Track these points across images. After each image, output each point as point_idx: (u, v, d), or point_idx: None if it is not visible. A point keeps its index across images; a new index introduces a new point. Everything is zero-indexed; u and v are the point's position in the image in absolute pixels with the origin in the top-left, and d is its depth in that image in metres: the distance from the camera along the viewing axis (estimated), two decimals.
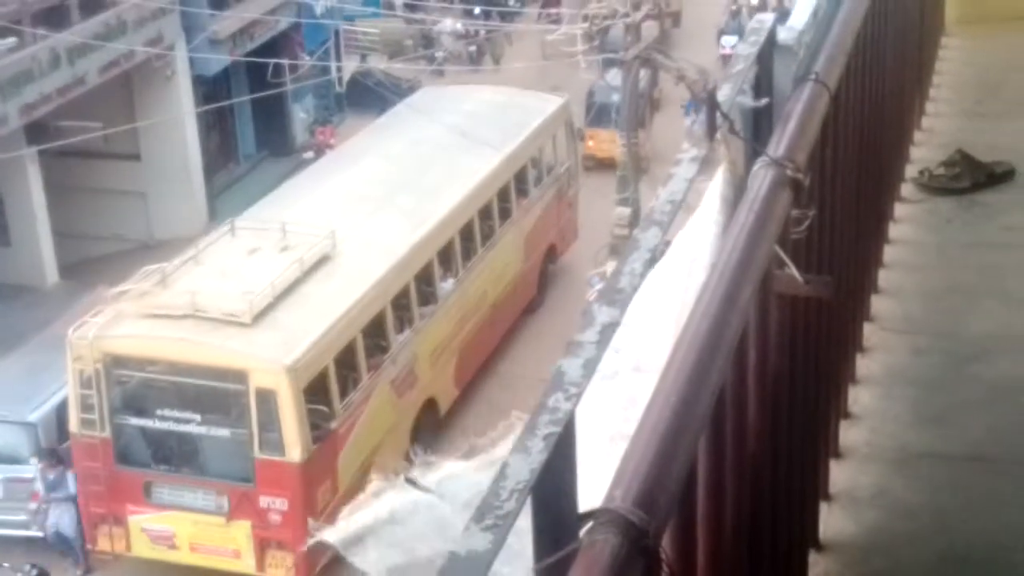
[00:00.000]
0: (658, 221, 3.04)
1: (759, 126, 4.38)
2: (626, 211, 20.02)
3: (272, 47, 27.13)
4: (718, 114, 3.53)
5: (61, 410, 16.38)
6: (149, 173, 25.22)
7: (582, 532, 2.35)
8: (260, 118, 28.16)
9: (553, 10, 35.30)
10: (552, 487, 2.40)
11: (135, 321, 14.92)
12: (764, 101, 4.07)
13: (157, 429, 15.17)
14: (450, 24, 33.68)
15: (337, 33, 30.85)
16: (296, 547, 14.58)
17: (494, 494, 2.26)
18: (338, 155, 20.90)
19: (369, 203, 17.76)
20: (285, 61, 26.06)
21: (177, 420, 15.04)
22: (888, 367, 5.96)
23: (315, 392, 14.96)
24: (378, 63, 32.06)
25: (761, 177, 3.70)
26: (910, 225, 7.34)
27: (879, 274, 6.67)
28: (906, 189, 7.69)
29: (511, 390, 18.65)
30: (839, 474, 5.17)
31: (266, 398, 14.38)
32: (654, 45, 19.70)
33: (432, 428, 17.68)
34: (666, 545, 2.53)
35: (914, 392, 5.80)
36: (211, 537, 15.16)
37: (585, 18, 19.77)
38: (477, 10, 34.88)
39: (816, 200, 4.35)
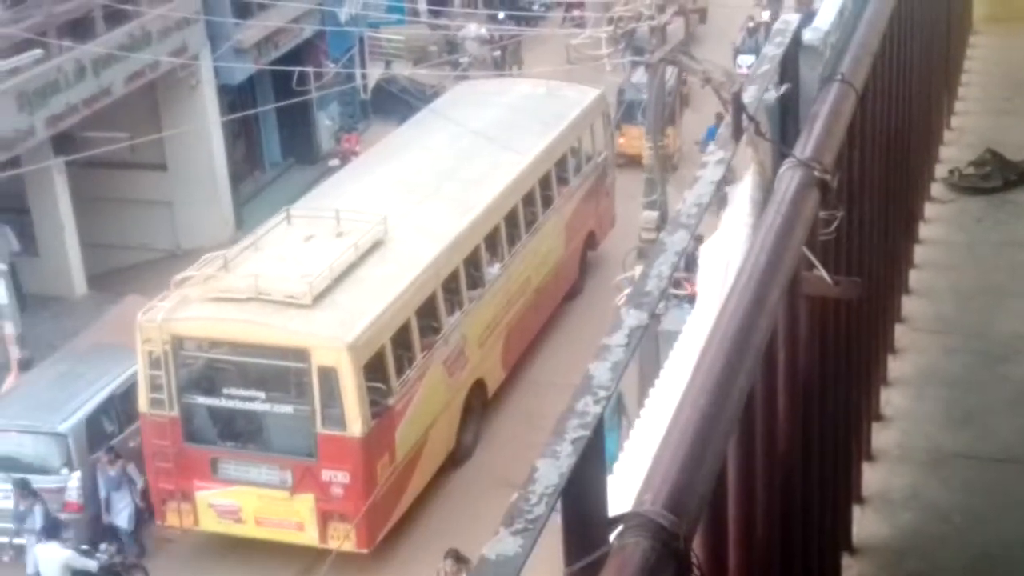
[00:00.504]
0: (685, 224, 3.02)
1: (786, 128, 4.36)
2: (653, 214, 19.96)
3: (297, 55, 27.18)
4: (744, 116, 3.50)
5: (92, 420, 16.45)
6: (175, 182, 25.30)
7: (612, 536, 2.33)
8: (285, 126, 28.21)
9: (577, 12, 35.28)
10: (581, 491, 2.39)
11: (200, 304, 15.39)
12: (785, 87, 4.04)
13: (223, 407, 15.64)
14: (474, 29, 33.68)
15: (361, 40, 30.89)
16: (359, 519, 15.09)
17: (524, 499, 2.25)
18: (384, 147, 21.17)
19: (417, 192, 18.22)
20: (310, 69, 26.09)
21: (242, 398, 15.52)
22: (920, 368, 5.92)
23: (373, 370, 15.38)
24: (403, 69, 32.10)
25: (788, 179, 3.68)
26: (940, 225, 7.29)
27: (910, 274, 6.63)
28: (936, 189, 7.64)
29: (554, 374, 19.06)
30: (872, 476, 5.13)
31: (328, 375, 14.87)
32: (680, 47, 19.61)
33: (480, 409, 18.22)
34: (696, 548, 2.51)
35: (946, 393, 5.76)
36: (275, 511, 15.58)
37: (610, 21, 19.68)
38: (501, 15, 34.90)
39: (844, 201, 4.32)
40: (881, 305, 5.63)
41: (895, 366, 5.87)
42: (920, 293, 6.49)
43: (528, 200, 19.86)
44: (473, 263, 18.08)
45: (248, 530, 15.82)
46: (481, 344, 18.24)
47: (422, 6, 34.96)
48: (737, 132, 3.52)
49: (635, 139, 25.44)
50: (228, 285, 15.42)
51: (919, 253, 6.87)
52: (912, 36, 6.31)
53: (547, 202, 20.53)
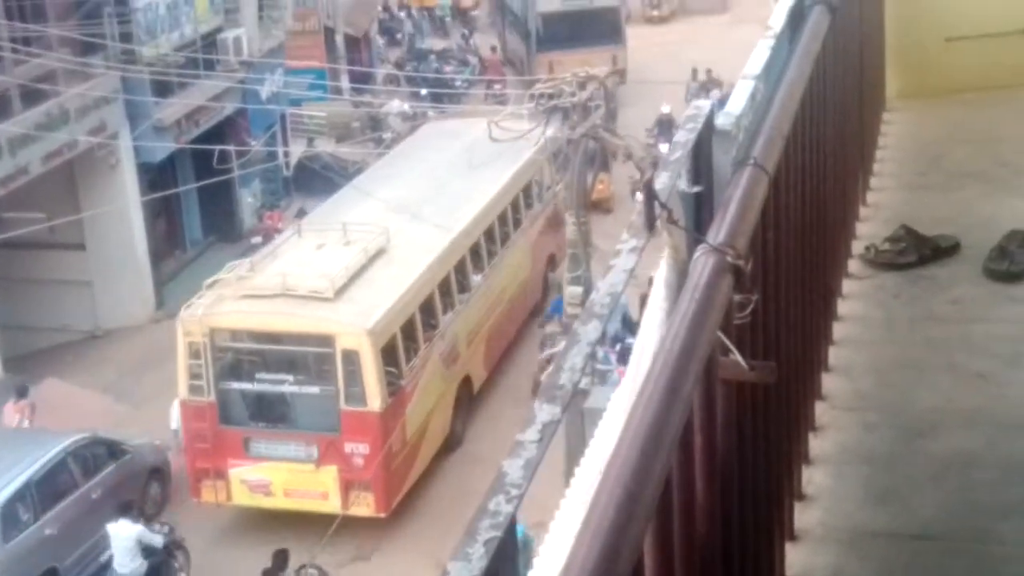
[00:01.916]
0: (599, 315, 2.99)
1: (700, 212, 4.37)
2: (578, 290, 20.01)
3: (218, 132, 27.11)
4: (656, 204, 3.50)
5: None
6: (95, 262, 25.01)
7: None
8: (207, 203, 28.04)
9: (499, 88, 35.57)
10: None
11: (235, 301, 17.58)
12: (697, 188, 4.05)
13: (255, 391, 17.70)
14: (397, 105, 33.82)
15: (283, 117, 30.89)
16: (377, 486, 17.19)
17: None
18: (367, 177, 23.65)
19: (406, 211, 20.43)
20: (231, 147, 26.01)
21: (272, 382, 17.59)
22: (840, 445, 5.93)
23: (387, 355, 17.49)
24: (325, 146, 32.11)
25: (702, 264, 3.67)
26: (858, 301, 7.35)
27: (829, 351, 6.66)
28: (854, 265, 7.71)
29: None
30: (795, 557, 5.11)
31: (351, 358, 16.98)
32: (601, 123, 19.79)
33: (468, 403, 20.39)
34: None
35: (866, 470, 5.77)
36: (302, 482, 17.46)
37: (531, 97, 19.86)
38: (424, 91, 35.10)
39: (759, 284, 4.33)
40: (800, 383, 5.64)
41: (816, 444, 5.88)
42: (839, 370, 6.52)
43: (502, 220, 22.27)
44: (461, 271, 20.42)
45: (277, 502, 17.73)
46: (469, 343, 20.49)
47: (344, 83, 35.11)
48: (650, 221, 3.52)
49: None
50: (258, 284, 17.68)
51: (838, 330, 6.92)
52: (825, 116, 6.39)
53: (516, 223, 23.01)
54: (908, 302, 7.31)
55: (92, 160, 24.09)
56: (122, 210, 24.20)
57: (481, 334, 21.12)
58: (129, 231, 24.92)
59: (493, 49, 40.74)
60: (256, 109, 28.45)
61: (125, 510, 16.69)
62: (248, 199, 29.03)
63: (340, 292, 17.56)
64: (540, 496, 3.05)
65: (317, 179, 30.05)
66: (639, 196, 3.91)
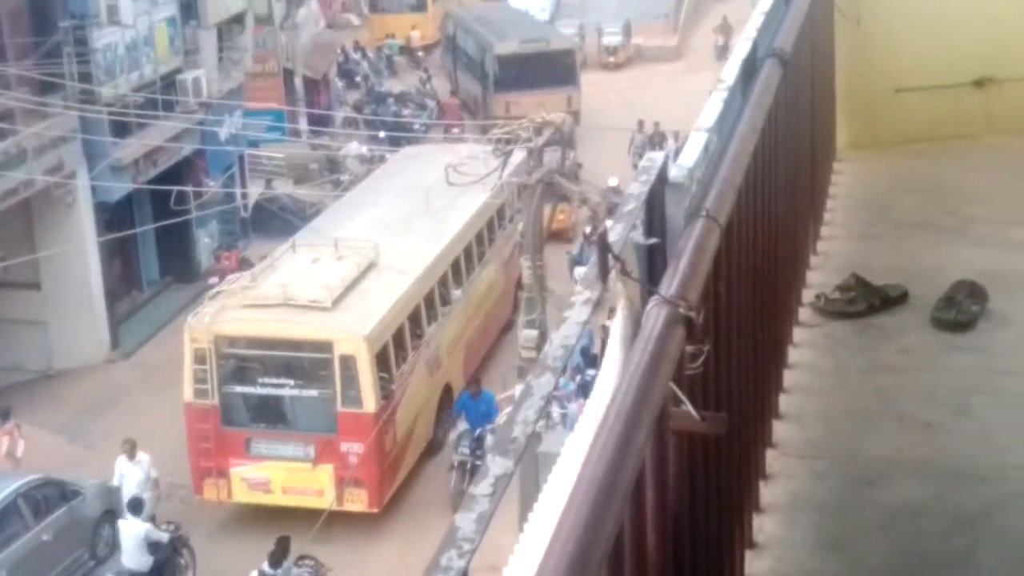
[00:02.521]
0: (552, 367, 3.04)
1: (654, 263, 4.44)
2: (533, 333, 20.06)
3: (176, 173, 27.05)
4: (610, 256, 3.57)
5: None
6: (49, 302, 24.85)
7: None
8: (164, 244, 27.93)
9: (456, 132, 35.72)
10: None
11: (239, 310, 18.72)
12: (652, 241, 4.12)
13: (257, 394, 18.86)
14: (355, 148, 33.87)
15: (242, 158, 30.87)
16: (370, 483, 18.39)
17: None
18: (352, 196, 25.14)
19: (393, 228, 21.74)
20: (189, 188, 25.97)
21: (273, 386, 18.74)
22: (791, 493, 5.99)
23: (380, 360, 18.67)
24: (283, 187, 32.10)
25: (654, 316, 3.74)
26: (809, 349, 7.44)
27: (780, 399, 6.73)
28: (804, 313, 7.80)
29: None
30: None
31: (348, 362, 18.21)
32: (557, 168, 19.92)
33: (447, 410, 21.22)
34: None
35: (817, 518, 5.84)
36: (300, 480, 18.61)
37: (488, 142, 20.01)
38: (382, 134, 35.17)
39: (711, 334, 4.40)
40: (751, 432, 5.71)
41: (767, 492, 5.94)
42: (790, 418, 6.60)
43: (479, 239, 23.48)
44: (443, 285, 21.65)
45: (276, 499, 18.82)
46: (450, 353, 21.71)
47: (303, 125, 35.16)
48: (603, 273, 3.58)
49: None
50: (260, 294, 18.87)
51: (788, 377, 7.00)
52: (777, 167, 6.50)
53: (491, 242, 24.19)
54: (857, 351, 7.40)
55: (49, 199, 23.98)
56: (78, 249, 24.08)
57: (460, 345, 22.33)
58: (85, 271, 24.78)
59: (452, 92, 40.95)
60: (214, 150, 28.42)
61: (135, 508, 17.45)
62: (205, 239, 28.95)
63: (337, 302, 18.77)
64: (493, 536, 3.08)
65: (275, 220, 30.01)
66: (587, 231, 3.97)
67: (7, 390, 23.75)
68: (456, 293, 22.28)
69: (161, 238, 27.43)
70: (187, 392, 18.85)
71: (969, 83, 10.72)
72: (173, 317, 26.32)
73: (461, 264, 22.65)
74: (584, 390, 18.43)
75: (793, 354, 7.28)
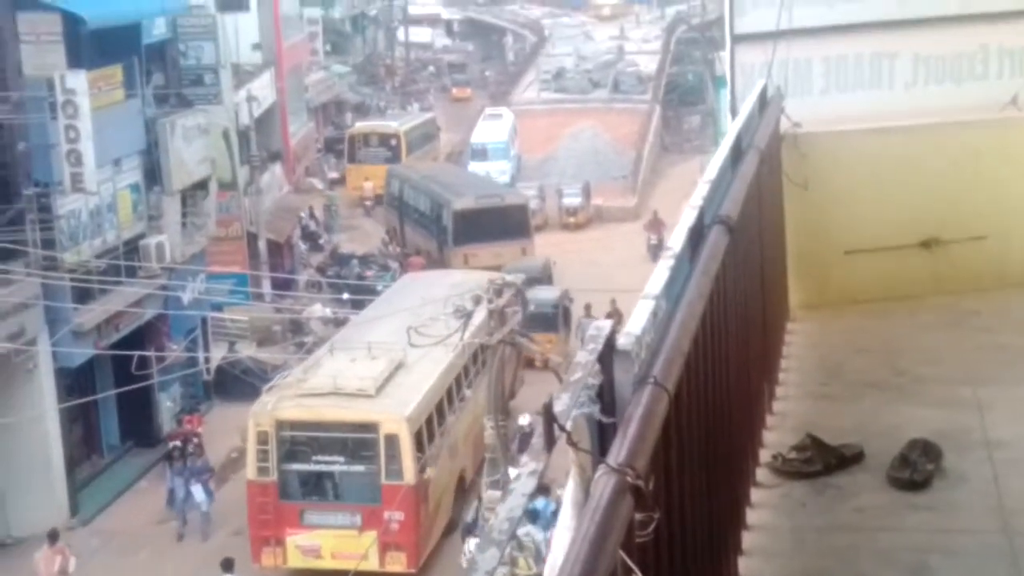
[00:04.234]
0: (496, 541, 3.07)
1: (604, 431, 4.49)
2: (496, 494, 19.95)
3: (139, 337, 26.95)
4: (556, 425, 3.62)
5: None
6: (7, 469, 24.48)
7: None
8: (125, 408, 27.65)
9: None
10: None
11: (295, 398, 21.13)
12: (599, 411, 4.18)
13: (310, 471, 21.22)
14: (319, 310, 33.92)
15: (204, 321, 30.86)
16: (409, 547, 20.67)
17: None
18: (367, 312, 27.60)
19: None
20: (151, 353, 25.89)
21: (326, 463, 21.09)
22: None
23: (417, 441, 20.87)
24: (247, 350, 32.03)
25: (603, 485, 3.78)
26: (767, 510, 7.47)
27: (739, 562, 6.74)
28: (762, 474, 7.85)
29: None
30: None
31: (391, 441, 20.54)
32: (519, 329, 20.02)
33: (461, 493, 23.37)
34: None
35: None
36: (347, 546, 20.66)
37: (447, 303, 20.23)
38: (345, 295, 35.31)
39: (662, 501, 4.44)
40: None
41: None
42: None
43: (482, 347, 24.08)
44: (458, 383, 23.87)
45: (325, 563, 20.87)
46: (464, 442, 23.72)
47: (266, 288, 35.28)
48: (549, 442, 3.64)
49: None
50: (313, 384, 21.34)
51: (747, 539, 7.01)
52: (727, 331, 6.61)
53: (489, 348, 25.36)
54: (815, 511, 7.44)
55: (9, 365, 23.83)
56: (38, 415, 23.86)
57: (471, 437, 24.06)
58: (44, 437, 24.49)
59: (417, 252, 41.30)
60: (177, 314, 28.42)
61: (227, 567, 19.37)
62: (167, 403, 28.70)
63: (379, 390, 21.22)
64: None
65: (238, 384, 29.83)
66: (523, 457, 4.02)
67: None
68: (467, 392, 24.38)
69: (122, 402, 27.18)
70: (250, 471, 21.23)
71: (916, 244, 10.97)
72: (133, 482, 25.97)
73: (470, 366, 24.61)
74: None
75: (752, 515, 7.31)
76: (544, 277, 34.83)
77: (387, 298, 29.16)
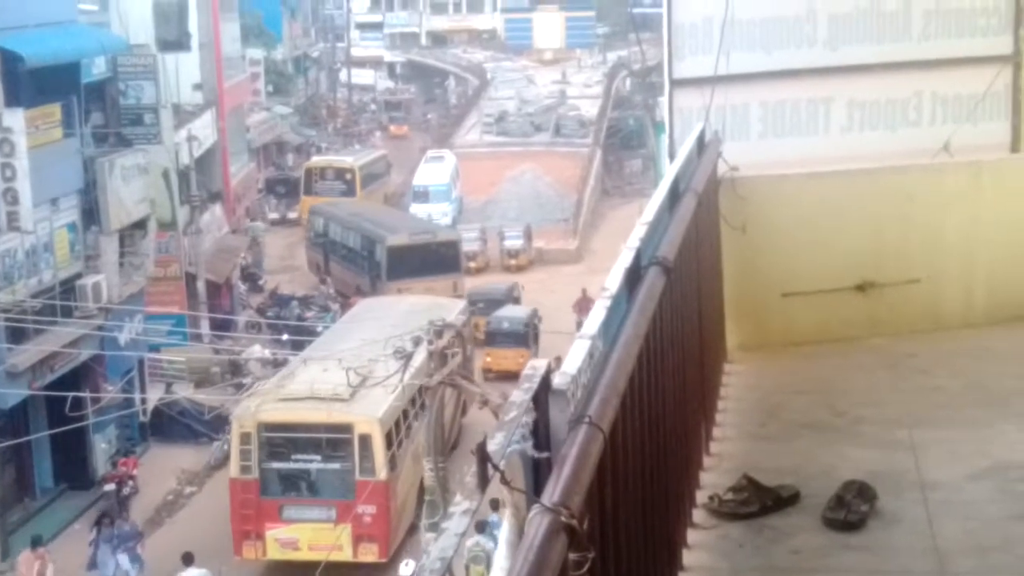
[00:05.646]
0: None
1: (539, 470, 4.47)
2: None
3: (74, 377, 26.64)
4: (490, 465, 3.61)
5: None
6: None
7: None
8: (59, 450, 27.28)
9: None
10: None
11: (275, 402, 23.15)
12: (532, 450, 4.17)
13: (290, 468, 23.06)
14: (258, 351, 33.69)
15: (141, 362, 30.56)
16: (381, 538, 22.66)
17: None
18: (331, 333, 29.54)
19: (376, 348, 24.18)
20: (87, 394, 25.56)
21: (304, 461, 23.01)
22: None
23: (387, 441, 22.68)
24: (184, 391, 31.72)
25: (537, 524, 3.77)
26: (704, 552, 7.47)
27: None
28: (698, 515, 7.85)
29: None
30: None
31: (365, 441, 22.53)
32: (459, 371, 20.01)
33: (421, 497, 23.54)
34: None
35: None
36: (323, 538, 22.28)
37: (387, 345, 20.28)
38: (284, 336, 35.10)
39: (598, 541, 4.43)
40: None
41: None
42: None
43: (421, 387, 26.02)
44: (420, 393, 23.81)
45: (302, 555, 22.44)
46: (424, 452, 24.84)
47: (205, 328, 35.00)
48: (482, 482, 3.62)
49: (500, 359, 32.68)
50: (292, 389, 23.36)
51: None
52: (663, 370, 6.62)
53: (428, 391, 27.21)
54: (752, 552, 7.45)
55: None
56: None
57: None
58: None
59: (357, 289, 41.19)
60: (114, 355, 28.13)
61: (188, 560, 20.56)
62: (102, 445, 28.34)
63: (352, 395, 22.63)
64: None
65: (175, 425, 29.57)
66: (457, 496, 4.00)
67: None
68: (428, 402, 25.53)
69: (57, 444, 26.82)
70: (233, 470, 23.11)
71: (852, 287, 11.08)
72: (66, 525, 25.61)
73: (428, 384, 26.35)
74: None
75: (688, 557, 7.30)
76: (511, 299, 37.27)
77: (349, 320, 31.55)
